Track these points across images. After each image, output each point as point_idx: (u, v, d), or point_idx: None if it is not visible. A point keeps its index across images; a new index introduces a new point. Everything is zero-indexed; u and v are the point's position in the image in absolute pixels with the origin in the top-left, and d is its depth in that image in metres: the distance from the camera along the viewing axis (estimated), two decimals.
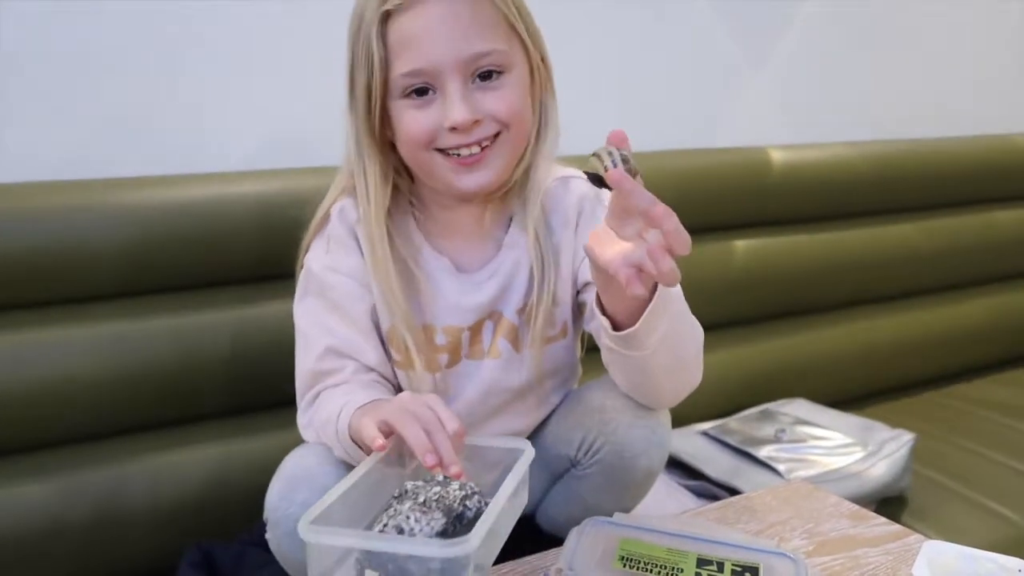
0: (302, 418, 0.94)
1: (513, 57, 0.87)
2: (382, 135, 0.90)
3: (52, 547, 1.06)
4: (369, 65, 0.86)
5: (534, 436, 1.02)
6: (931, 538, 0.92)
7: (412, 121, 0.86)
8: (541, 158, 0.93)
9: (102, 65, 1.19)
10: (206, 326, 1.17)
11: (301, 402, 0.94)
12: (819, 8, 1.80)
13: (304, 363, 0.93)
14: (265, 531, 0.90)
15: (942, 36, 2.01)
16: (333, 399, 0.88)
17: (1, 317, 1.08)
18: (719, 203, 1.59)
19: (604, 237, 0.75)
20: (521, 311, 0.96)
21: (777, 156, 1.65)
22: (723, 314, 1.58)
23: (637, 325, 0.79)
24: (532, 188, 0.94)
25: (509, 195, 0.96)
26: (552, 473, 1.01)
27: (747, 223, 1.65)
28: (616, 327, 0.81)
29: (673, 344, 0.84)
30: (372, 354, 0.92)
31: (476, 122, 0.85)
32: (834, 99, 1.88)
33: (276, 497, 0.88)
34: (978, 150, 1.96)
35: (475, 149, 0.87)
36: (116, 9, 1.18)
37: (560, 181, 0.98)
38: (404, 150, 0.90)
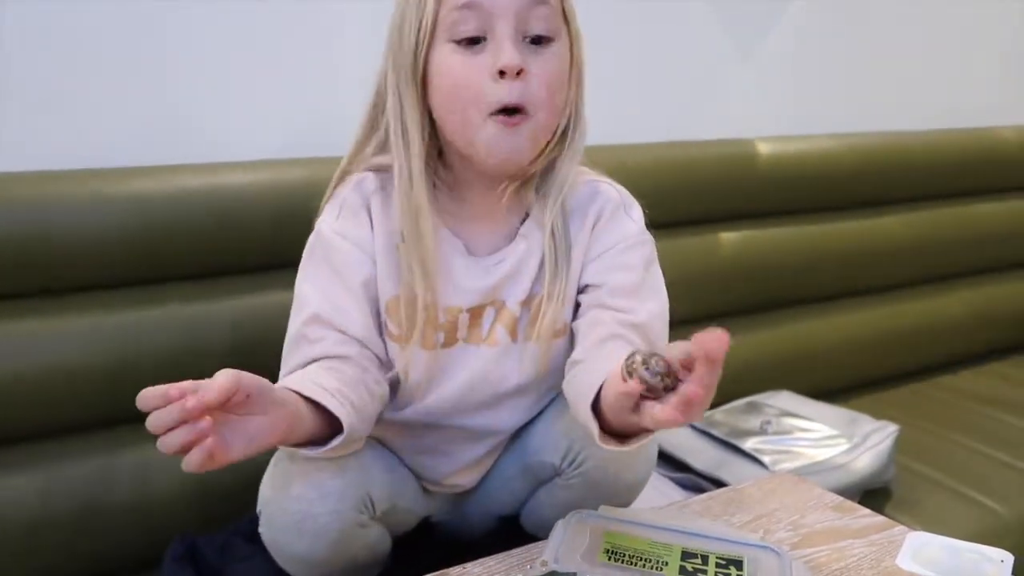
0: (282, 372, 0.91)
1: (560, 27, 0.86)
2: (422, 90, 0.87)
3: (37, 539, 1.05)
4: (422, 3, 0.83)
5: (519, 436, 1.00)
6: (915, 529, 0.93)
7: (458, 64, 0.84)
8: (567, 154, 0.91)
9: (113, 55, 1.18)
10: (204, 316, 1.16)
11: (284, 360, 0.91)
12: (806, 1, 1.80)
13: (293, 323, 0.91)
14: (256, 523, 0.89)
15: (926, 30, 2.01)
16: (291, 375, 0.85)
17: None
18: (705, 195, 1.58)
19: None
20: (524, 303, 0.94)
21: (763, 148, 1.66)
22: (708, 306, 1.58)
23: (629, 446, 0.77)
24: (554, 183, 0.92)
25: (528, 186, 0.93)
26: (536, 477, 0.99)
27: (733, 215, 1.65)
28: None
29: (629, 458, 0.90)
30: (360, 325, 0.90)
31: (521, 73, 0.83)
32: (820, 92, 1.88)
33: (270, 490, 0.87)
34: (961, 143, 1.97)
35: (517, 99, 0.83)
36: None
37: (589, 184, 0.96)
38: (442, 100, 0.86)
